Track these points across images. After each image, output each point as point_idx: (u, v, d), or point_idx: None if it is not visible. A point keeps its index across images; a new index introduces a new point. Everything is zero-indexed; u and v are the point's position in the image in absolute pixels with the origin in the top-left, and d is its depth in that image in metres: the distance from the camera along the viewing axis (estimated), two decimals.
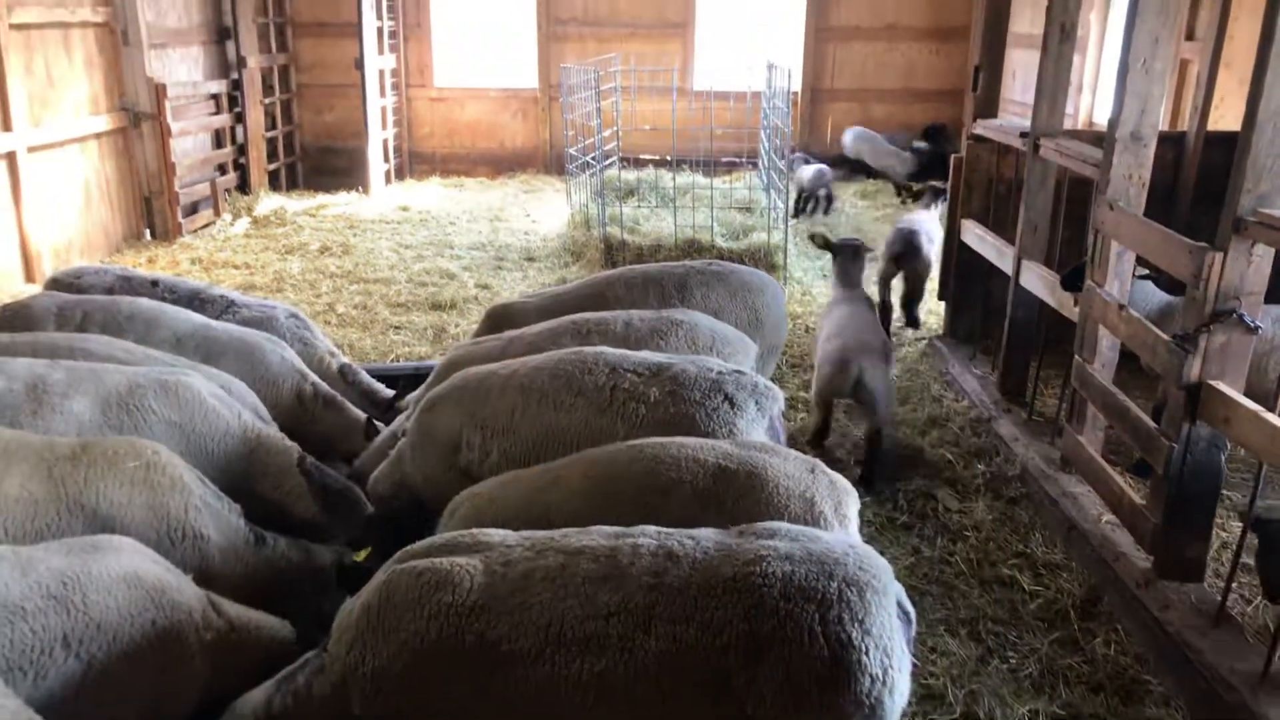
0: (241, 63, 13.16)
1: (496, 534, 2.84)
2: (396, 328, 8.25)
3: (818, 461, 3.51)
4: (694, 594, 2.55)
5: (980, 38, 6.91)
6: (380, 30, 13.93)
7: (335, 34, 14.65)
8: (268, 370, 4.83)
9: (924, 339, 7.94)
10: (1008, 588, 4.73)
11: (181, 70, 12.03)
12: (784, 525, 2.73)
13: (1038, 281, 5.94)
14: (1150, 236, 4.41)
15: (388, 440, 4.66)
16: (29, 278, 9.23)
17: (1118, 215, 4.71)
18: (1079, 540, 4.90)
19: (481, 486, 3.64)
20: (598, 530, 2.78)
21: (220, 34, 12.99)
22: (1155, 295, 5.33)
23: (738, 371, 3.84)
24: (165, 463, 3.54)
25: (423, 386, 4.80)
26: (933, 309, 8.47)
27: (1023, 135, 6.12)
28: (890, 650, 2.47)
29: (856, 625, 2.44)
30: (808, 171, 12.39)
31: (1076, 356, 5.17)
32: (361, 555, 4.25)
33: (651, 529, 2.77)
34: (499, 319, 5.20)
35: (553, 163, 15.28)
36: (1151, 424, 4.38)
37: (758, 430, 3.72)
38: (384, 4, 14.06)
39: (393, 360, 7.47)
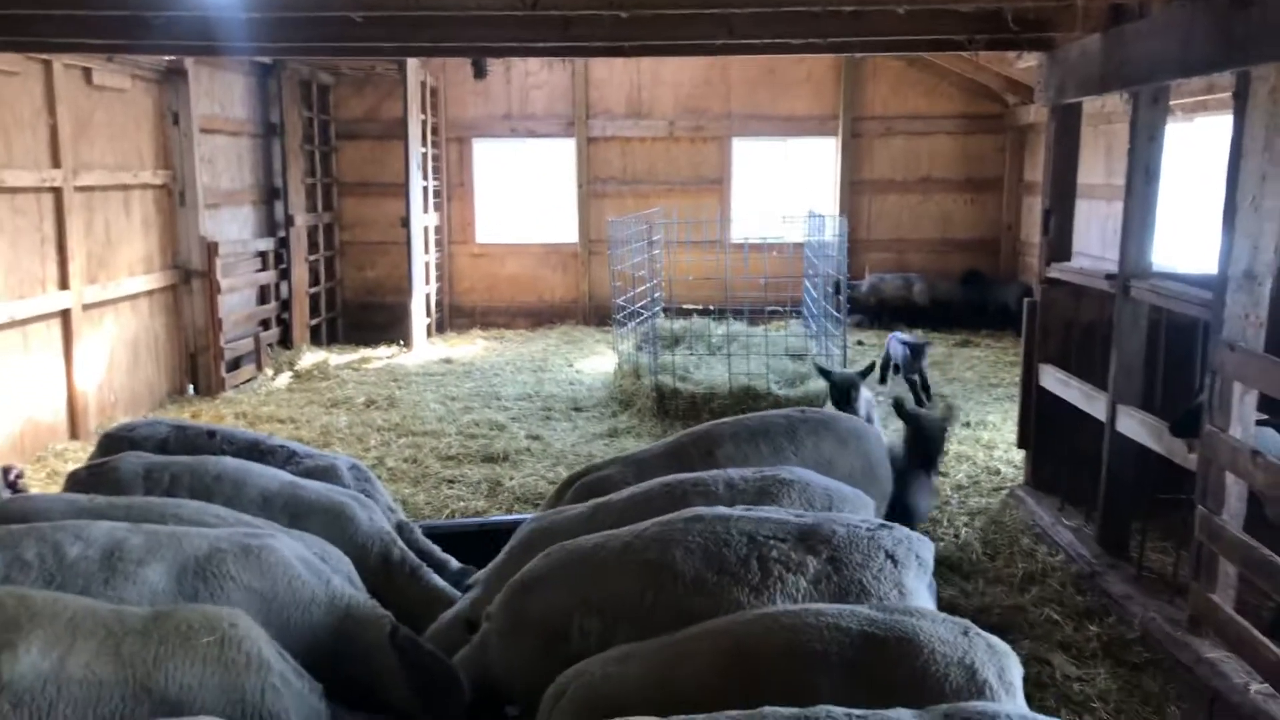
0: (289, 221, 13.44)
1: None
2: (450, 481, 7.96)
3: (969, 623, 3.16)
4: None
5: (1049, 184, 6.86)
6: (426, 190, 14.28)
7: (379, 193, 15.03)
8: (356, 532, 4.53)
9: (1004, 489, 7.57)
10: None
11: (232, 229, 12.26)
12: (999, 708, 2.38)
13: (1138, 427, 5.64)
14: None
15: (452, 623, 4.20)
16: (73, 434, 9.07)
17: (1242, 356, 4.46)
18: (1226, 713, 4.41)
19: (589, 665, 3.25)
20: (770, 713, 2.42)
21: (270, 194, 13.33)
22: (1277, 441, 5.00)
23: (883, 525, 3.53)
24: (242, 636, 3.20)
25: (495, 563, 4.36)
26: (1011, 459, 8.14)
27: (1109, 277, 5.96)
28: None
29: None
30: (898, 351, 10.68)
31: (1200, 507, 4.82)
32: None
33: (838, 710, 2.41)
34: (590, 489, 4.83)
35: (592, 314, 15.34)
36: None
37: (921, 588, 3.39)
38: (429, 165, 14.46)
39: (448, 515, 7.16)
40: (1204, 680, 4.63)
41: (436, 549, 5.29)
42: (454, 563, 5.16)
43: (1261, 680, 4.38)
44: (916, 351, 10.40)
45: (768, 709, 2.46)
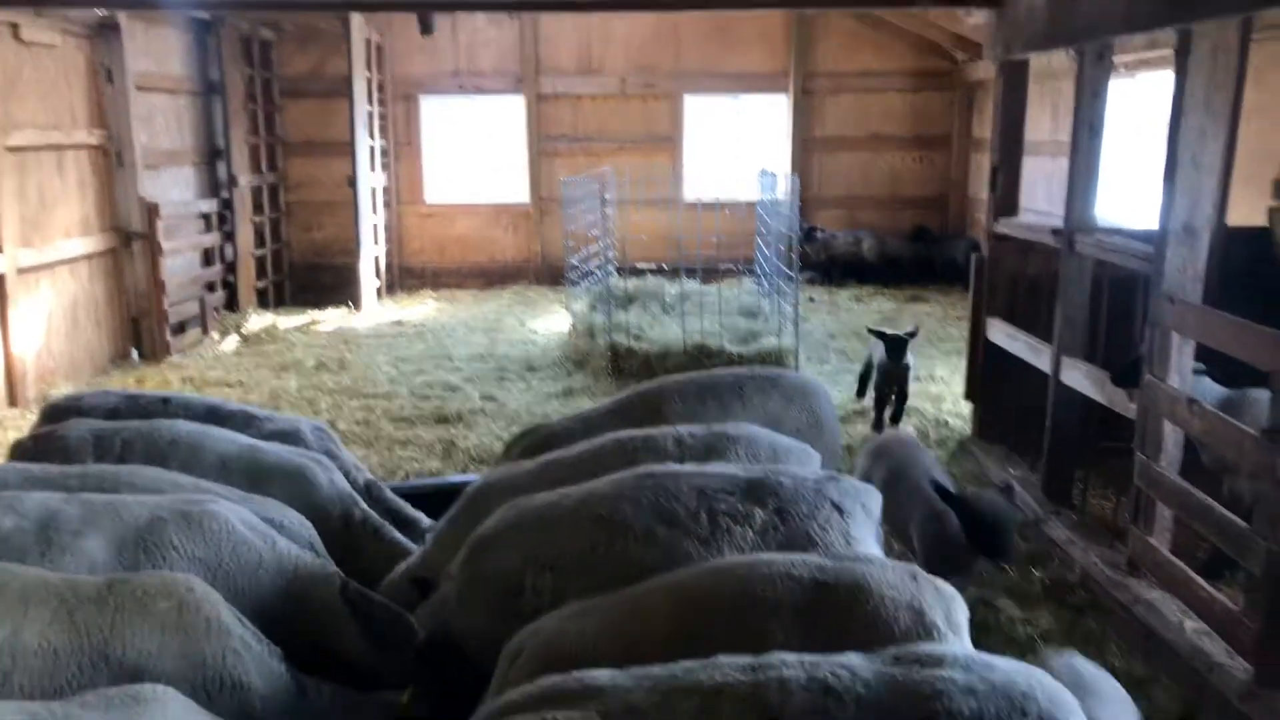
0: (233, 182, 13.14)
1: (603, 675, 2.50)
2: (403, 443, 7.92)
3: (916, 567, 3.24)
4: None
5: (997, 140, 6.94)
6: (373, 149, 14.01)
7: (324, 153, 14.71)
8: (317, 494, 4.48)
9: (952, 440, 7.73)
10: None
11: (173, 190, 11.95)
12: (945, 649, 2.44)
13: (1082, 378, 5.78)
14: (1224, 328, 4.27)
15: (401, 578, 4.18)
16: (12, 402, 8.85)
17: (1180, 308, 4.58)
18: (1163, 651, 4.60)
19: (544, 623, 3.26)
20: (726, 662, 2.46)
21: (212, 154, 13.00)
22: (1213, 390, 5.17)
23: (830, 476, 3.59)
24: (200, 601, 3.18)
25: (444, 519, 4.36)
26: (959, 411, 8.30)
27: (1054, 232, 6.07)
28: None
29: None
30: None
31: (1139, 454, 4.97)
32: (405, 696, 3.86)
33: (791, 657, 2.45)
34: (539, 446, 4.85)
35: (544, 274, 15.25)
36: (1242, 524, 4.15)
37: (869, 537, 3.45)
38: (375, 123, 14.18)
39: (402, 478, 7.13)
40: (1141, 620, 4.81)
41: (407, 506, 5.23)
42: (425, 520, 5.12)
43: (1196, 618, 4.57)
44: (895, 347, 7.38)
45: (723, 657, 2.50)
